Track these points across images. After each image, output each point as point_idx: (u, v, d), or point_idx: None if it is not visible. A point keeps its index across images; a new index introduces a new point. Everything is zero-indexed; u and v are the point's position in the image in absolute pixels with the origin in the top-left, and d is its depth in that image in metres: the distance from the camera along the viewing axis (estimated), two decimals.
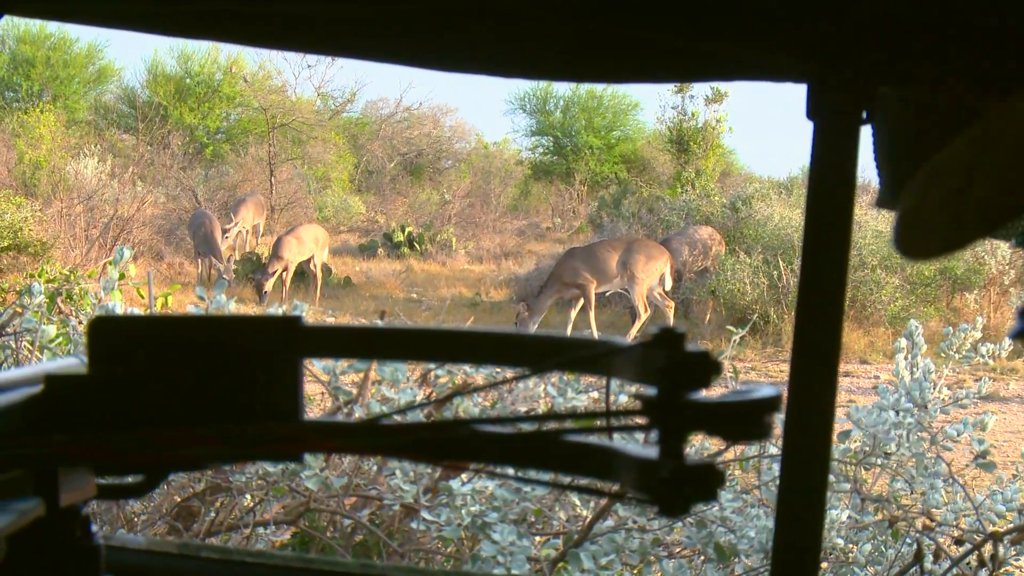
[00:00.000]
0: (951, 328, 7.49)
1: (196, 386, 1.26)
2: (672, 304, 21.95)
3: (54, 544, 1.32)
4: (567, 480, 1.21)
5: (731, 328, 8.25)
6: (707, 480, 1.08)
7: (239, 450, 1.22)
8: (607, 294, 22.60)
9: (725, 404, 1.11)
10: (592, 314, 21.91)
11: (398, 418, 1.25)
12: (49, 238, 23.20)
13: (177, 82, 42.35)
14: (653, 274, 21.81)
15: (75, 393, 1.25)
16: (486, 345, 1.39)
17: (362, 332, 1.39)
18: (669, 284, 22.26)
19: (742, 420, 1.12)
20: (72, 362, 1.37)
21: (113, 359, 1.27)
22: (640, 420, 1.11)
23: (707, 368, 1.10)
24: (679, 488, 1.08)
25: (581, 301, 21.83)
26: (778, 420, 1.88)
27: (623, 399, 5.29)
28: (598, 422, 1.16)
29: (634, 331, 20.68)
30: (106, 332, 1.29)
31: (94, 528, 1.36)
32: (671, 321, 20.88)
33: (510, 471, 1.24)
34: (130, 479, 1.34)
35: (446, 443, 1.20)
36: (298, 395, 1.27)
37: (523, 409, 6.45)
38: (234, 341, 1.28)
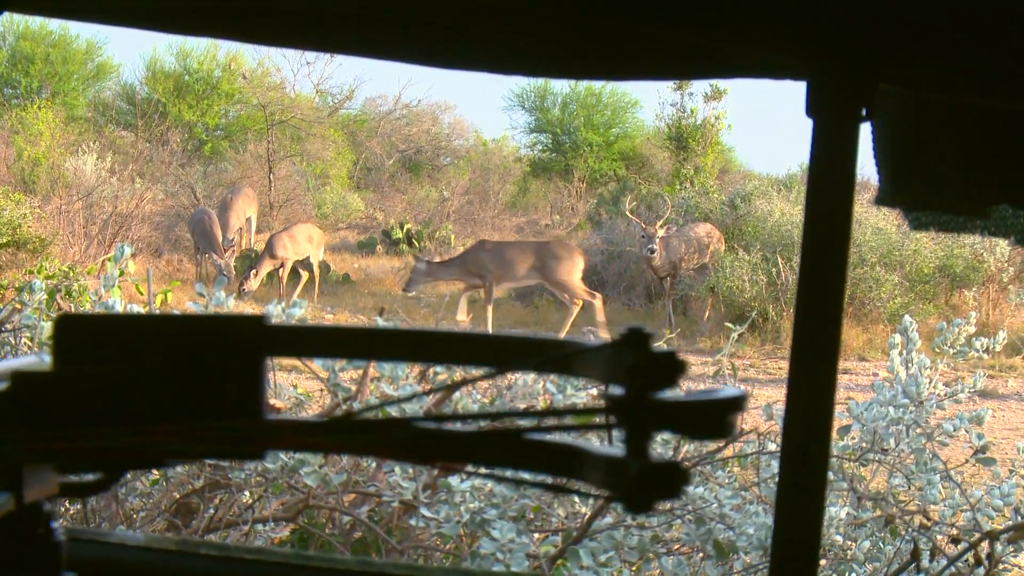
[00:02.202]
0: (944, 323, 7.50)
1: (160, 384, 1.26)
2: (600, 296, 22.20)
3: (18, 540, 1.33)
4: (532, 478, 1.21)
5: (729, 325, 8.26)
6: (673, 478, 1.10)
7: (202, 447, 1.24)
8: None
9: (690, 403, 1.13)
10: (490, 308, 22.39)
11: (371, 415, 1.26)
12: (48, 235, 23.21)
13: (176, 79, 42.32)
14: (574, 272, 22.11)
15: (40, 390, 1.26)
16: (454, 345, 1.41)
17: (324, 332, 1.41)
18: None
19: (706, 419, 1.15)
20: (32, 360, 1.37)
21: (78, 357, 1.28)
22: (607, 419, 1.13)
23: (674, 367, 1.12)
24: (646, 486, 1.09)
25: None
26: (777, 418, 1.89)
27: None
28: (565, 420, 1.18)
29: (567, 325, 21.01)
30: (71, 330, 1.30)
31: (55, 525, 1.37)
32: (601, 314, 21.19)
33: (480, 470, 1.25)
34: (89, 476, 1.34)
35: (413, 441, 1.21)
36: (261, 393, 1.27)
37: (522, 406, 6.45)
38: (198, 340, 1.29)
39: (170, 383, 1.25)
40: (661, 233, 22.68)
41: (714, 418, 1.13)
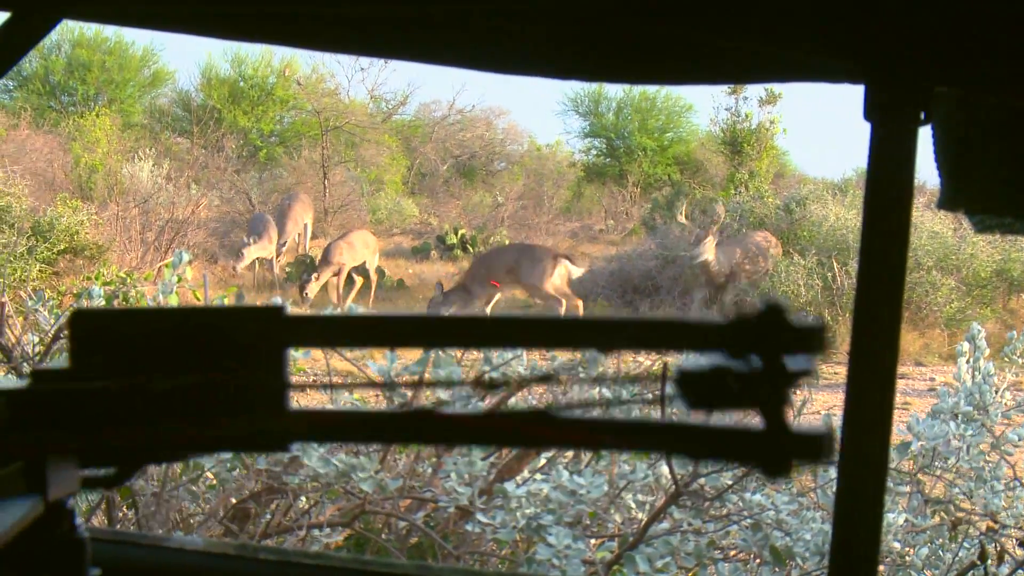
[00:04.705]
0: (1014, 333, 7.44)
1: (178, 378, 1.25)
2: (579, 301, 22.28)
3: (44, 539, 1.34)
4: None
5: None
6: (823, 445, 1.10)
7: (226, 441, 1.24)
8: None
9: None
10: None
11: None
12: (105, 241, 23.38)
13: (231, 85, 42.54)
14: (545, 274, 22.16)
15: (59, 386, 1.26)
16: (561, 330, 1.33)
17: (348, 321, 1.36)
18: (577, 272, 23.06)
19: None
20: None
21: (94, 352, 1.27)
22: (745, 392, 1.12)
23: (817, 338, 1.13)
24: (789, 454, 1.10)
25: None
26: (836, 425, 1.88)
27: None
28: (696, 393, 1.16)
29: None
30: (87, 325, 1.29)
31: (78, 521, 1.38)
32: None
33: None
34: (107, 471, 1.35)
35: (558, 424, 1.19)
36: (283, 385, 1.27)
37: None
38: (216, 332, 1.28)
39: (188, 376, 1.25)
40: (712, 240, 22.66)
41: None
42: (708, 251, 22.70)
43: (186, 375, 1.24)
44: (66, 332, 1.28)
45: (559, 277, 22.57)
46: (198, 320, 1.32)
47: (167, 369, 1.24)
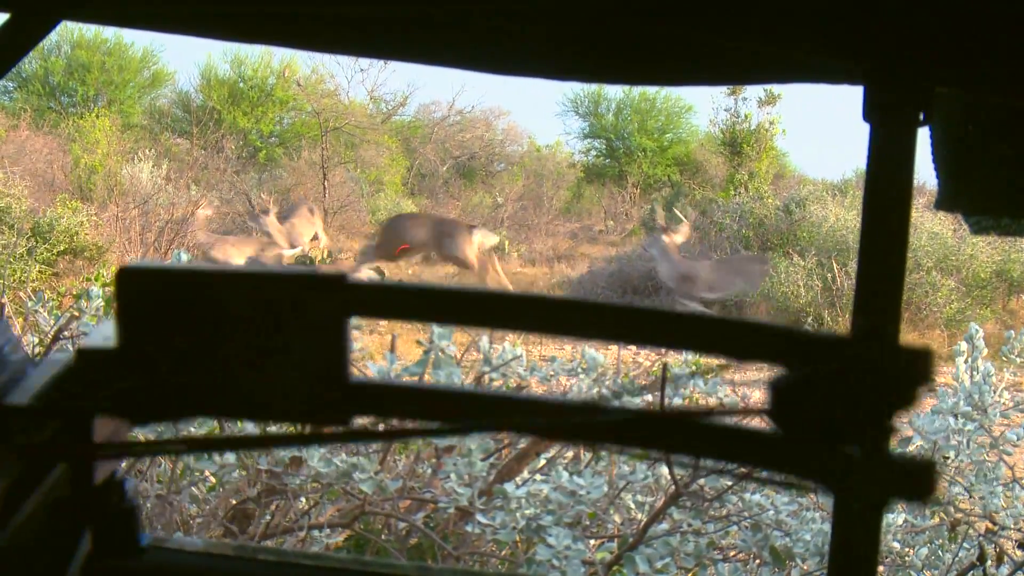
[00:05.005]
0: (1012, 332, 7.45)
1: (231, 342, 1.20)
2: (500, 268, 22.33)
3: (99, 507, 1.31)
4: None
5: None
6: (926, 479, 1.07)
7: (283, 408, 1.15)
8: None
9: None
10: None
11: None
12: (105, 242, 23.37)
13: (231, 86, 42.55)
14: (466, 245, 22.24)
15: (107, 353, 1.20)
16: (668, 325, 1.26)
17: (419, 292, 1.29)
18: (492, 241, 23.02)
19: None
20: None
21: (143, 313, 1.20)
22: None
23: (928, 367, 1.10)
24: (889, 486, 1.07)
25: None
26: None
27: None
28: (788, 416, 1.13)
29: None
30: (135, 284, 1.21)
31: (128, 488, 1.35)
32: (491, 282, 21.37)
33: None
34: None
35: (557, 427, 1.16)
36: (344, 356, 1.20)
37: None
38: (274, 298, 1.21)
39: (241, 341, 1.20)
40: (678, 240, 22.19)
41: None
42: (664, 261, 22.10)
43: (240, 340, 1.16)
44: (113, 291, 1.19)
45: (477, 246, 22.56)
46: (255, 284, 1.24)
47: (221, 334, 1.16)
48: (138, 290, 1.21)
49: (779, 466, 1.17)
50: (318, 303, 1.19)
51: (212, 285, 1.22)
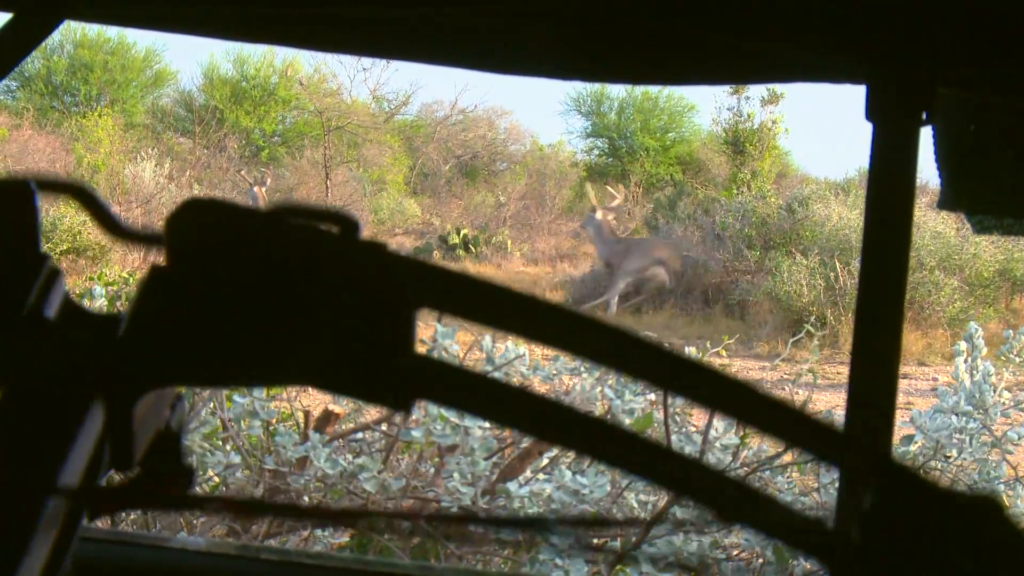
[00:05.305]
0: (1011, 331, 7.44)
1: (290, 299, 1.06)
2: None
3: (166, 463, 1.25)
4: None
5: (810, 329, 8.20)
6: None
7: (332, 384, 1.03)
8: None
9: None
10: None
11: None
12: (107, 241, 23.37)
13: (233, 86, 42.53)
14: None
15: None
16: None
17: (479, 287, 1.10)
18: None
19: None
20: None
21: (201, 255, 1.07)
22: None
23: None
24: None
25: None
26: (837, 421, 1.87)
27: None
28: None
29: None
30: (196, 221, 1.09)
31: (184, 447, 1.29)
32: None
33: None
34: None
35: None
36: (410, 332, 1.04)
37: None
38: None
39: (302, 300, 1.04)
40: (611, 217, 23.08)
41: None
42: (598, 240, 23.23)
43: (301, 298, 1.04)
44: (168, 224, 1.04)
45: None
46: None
47: (284, 287, 1.04)
48: (198, 228, 1.07)
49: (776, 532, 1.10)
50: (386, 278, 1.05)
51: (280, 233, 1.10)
